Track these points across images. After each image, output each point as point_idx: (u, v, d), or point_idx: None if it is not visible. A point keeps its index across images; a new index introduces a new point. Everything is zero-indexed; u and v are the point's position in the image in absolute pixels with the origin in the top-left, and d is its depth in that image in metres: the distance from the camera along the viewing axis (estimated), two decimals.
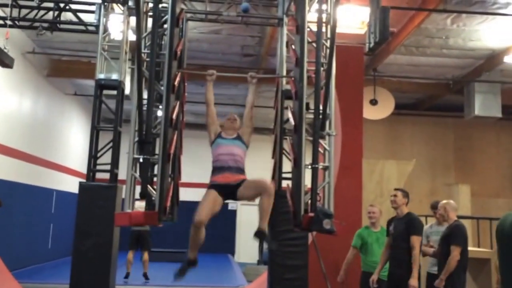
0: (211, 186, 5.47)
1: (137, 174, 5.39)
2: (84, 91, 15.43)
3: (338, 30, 5.46)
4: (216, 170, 5.55)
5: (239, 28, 10.09)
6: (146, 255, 10.72)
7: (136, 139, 5.36)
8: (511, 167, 15.77)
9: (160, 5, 5.93)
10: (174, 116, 5.42)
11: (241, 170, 5.57)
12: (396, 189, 6.50)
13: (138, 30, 4.83)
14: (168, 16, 5.48)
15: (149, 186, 5.30)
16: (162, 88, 5.39)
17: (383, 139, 15.14)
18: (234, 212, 19.29)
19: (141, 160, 5.35)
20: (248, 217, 18.81)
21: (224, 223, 18.71)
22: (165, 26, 5.70)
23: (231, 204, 18.87)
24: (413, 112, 15.75)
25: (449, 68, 12.79)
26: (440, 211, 6.37)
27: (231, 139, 5.71)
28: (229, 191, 5.45)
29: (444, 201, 6.55)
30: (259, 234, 5.36)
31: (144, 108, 5.24)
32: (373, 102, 12.35)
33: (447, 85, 13.54)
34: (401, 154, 14.76)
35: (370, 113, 12.10)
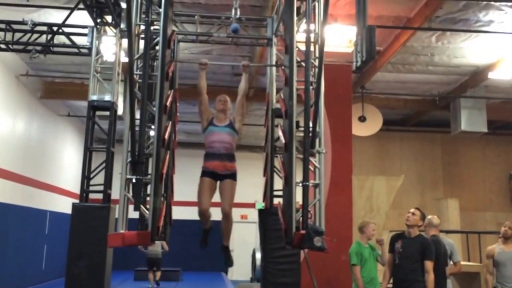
0: (203, 172, 5.96)
1: (130, 194, 5.44)
2: (77, 112, 15.49)
3: (326, 49, 5.49)
4: (209, 156, 5.98)
5: (229, 48, 10.24)
6: (158, 274, 14.35)
7: (129, 159, 5.41)
8: (497, 181, 15.96)
9: (152, 28, 6.05)
10: (166, 136, 5.49)
11: (231, 157, 6.02)
12: (416, 208, 6.20)
13: (130, 52, 4.93)
14: (159, 38, 5.59)
15: (142, 206, 5.36)
16: (154, 108, 5.48)
17: (372, 156, 15.28)
18: None
19: (134, 180, 5.41)
20: (241, 234, 18.82)
21: (217, 242, 18.52)
22: (157, 47, 5.82)
23: None
24: (401, 128, 15.92)
25: (435, 85, 12.97)
26: (422, 226, 6.40)
27: (223, 126, 6.05)
28: (217, 178, 5.92)
29: (429, 216, 6.65)
30: (223, 248, 6.29)
31: (137, 128, 5.32)
32: (362, 119, 12.48)
33: (433, 101, 13.70)
34: (390, 170, 14.91)
35: (359, 130, 12.22)
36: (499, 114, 13.95)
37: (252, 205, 17.17)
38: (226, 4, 8.45)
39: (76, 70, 11.96)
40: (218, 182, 5.93)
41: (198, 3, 9.03)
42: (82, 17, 8.47)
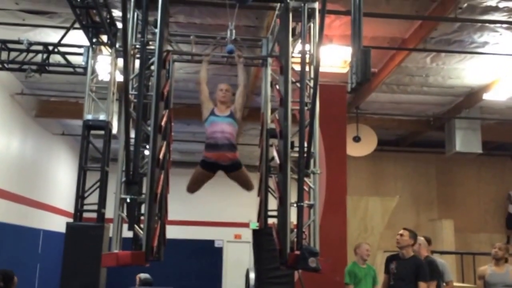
0: (203, 162, 5.97)
1: (124, 214, 5.41)
2: (72, 131, 15.47)
3: (321, 69, 5.48)
4: (210, 147, 5.97)
5: (224, 68, 10.26)
6: None
7: (123, 179, 5.40)
8: (492, 202, 15.94)
9: (147, 47, 6.07)
10: (161, 156, 5.49)
11: (233, 147, 5.98)
12: (404, 229, 6.25)
13: (126, 71, 4.91)
14: (155, 58, 5.61)
15: (136, 225, 5.33)
16: (149, 128, 5.48)
17: (367, 176, 15.27)
18: (220, 250, 19.12)
19: (128, 200, 5.39)
20: (235, 254, 18.71)
21: (211, 261, 18.53)
22: (152, 67, 5.83)
23: (218, 242, 18.75)
24: (396, 149, 15.92)
25: (430, 105, 13.02)
26: (415, 246, 6.37)
27: (224, 116, 6.08)
28: (219, 168, 5.93)
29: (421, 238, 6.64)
30: None
31: (131, 148, 5.31)
32: (356, 139, 12.50)
33: (428, 122, 13.74)
34: (384, 190, 14.89)
35: (353, 150, 12.23)
36: (494, 135, 13.98)
37: (246, 225, 17.09)
38: (221, 24, 8.50)
39: (71, 89, 11.97)
40: (220, 173, 6.00)
41: (193, 23, 9.08)
42: (77, 37, 8.49)
